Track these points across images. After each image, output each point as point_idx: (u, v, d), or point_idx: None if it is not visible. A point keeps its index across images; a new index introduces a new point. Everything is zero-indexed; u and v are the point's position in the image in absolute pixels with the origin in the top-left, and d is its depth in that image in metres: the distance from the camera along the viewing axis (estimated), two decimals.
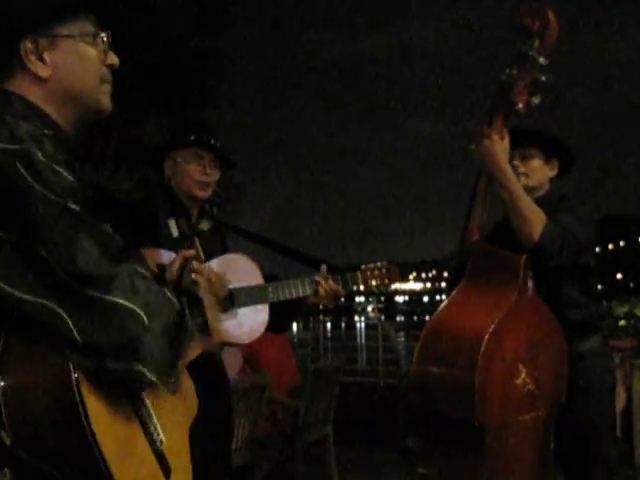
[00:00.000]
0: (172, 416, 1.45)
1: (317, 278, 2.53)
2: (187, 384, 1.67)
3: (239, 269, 2.55)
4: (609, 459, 2.54)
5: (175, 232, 2.47)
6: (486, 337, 2.13)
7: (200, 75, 11.79)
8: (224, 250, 2.65)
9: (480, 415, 2.11)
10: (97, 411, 1.17)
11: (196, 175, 2.50)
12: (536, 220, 2.24)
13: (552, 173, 2.61)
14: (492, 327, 2.15)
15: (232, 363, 4.03)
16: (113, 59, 1.42)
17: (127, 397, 1.28)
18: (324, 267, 2.55)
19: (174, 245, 2.28)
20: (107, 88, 1.41)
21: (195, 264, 1.99)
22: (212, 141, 2.54)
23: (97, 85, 1.38)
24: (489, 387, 2.14)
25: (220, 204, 2.82)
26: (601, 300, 2.73)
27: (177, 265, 1.88)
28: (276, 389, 4.39)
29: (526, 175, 2.53)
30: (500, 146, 2.28)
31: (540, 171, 2.54)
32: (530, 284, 2.29)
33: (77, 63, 1.35)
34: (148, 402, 1.35)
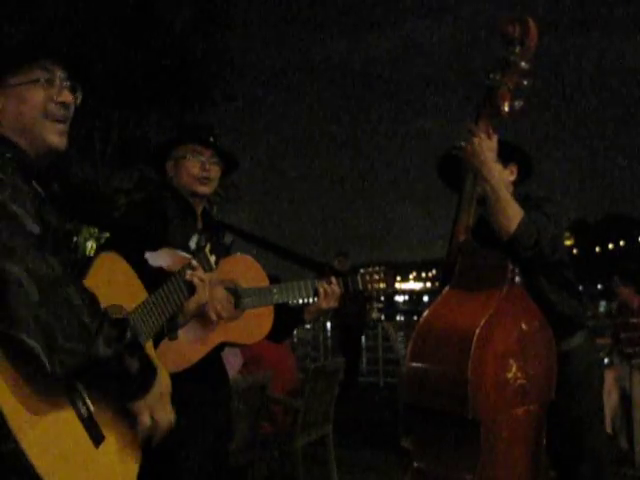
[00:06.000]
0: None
1: (320, 281, 2.60)
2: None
3: (244, 270, 2.56)
4: (600, 454, 2.58)
5: (193, 245, 2.48)
6: (477, 331, 2.18)
7: (200, 75, 11.79)
8: (227, 251, 2.66)
9: (474, 408, 2.15)
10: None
11: (195, 171, 2.51)
12: (514, 214, 2.34)
13: (512, 177, 2.70)
14: (483, 321, 2.20)
15: (232, 363, 4.03)
16: (66, 97, 1.67)
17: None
18: (328, 272, 2.67)
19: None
20: (57, 127, 1.66)
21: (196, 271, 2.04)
22: (210, 138, 2.55)
23: (40, 122, 1.63)
24: (482, 381, 2.18)
25: (220, 204, 2.85)
26: (581, 297, 2.77)
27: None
28: (276, 389, 4.39)
29: None
30: (488, 144, 2.36)
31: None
32: (518, 280, 2.36)
33: (24, 108, 1.63)
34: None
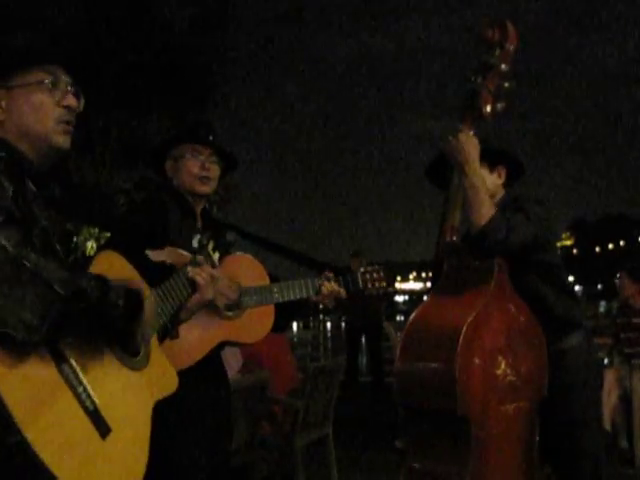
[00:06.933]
0: (125, 387, 1.69)
1: (321, 280, 2.61)
2: (160, 364, 1.89)
3: (245, 269, 2.56)
4: (597, 453, 2.59)
5: (195, 244, 2.49)
6: (464, 328, 2.20)
7: (200, 75, 11.79)
8: (229, 249, 2.66)
9: (462, 405, 2.17)
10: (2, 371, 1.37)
11: (195, 170, 2.49)
12: (485, 210, 2.37)
13: (500, 180, 2.72)
14: (470, 319, 2.22)
15: (232, 363, 4.03)
16: (70, 102, 1.70)
17: (54, 362, 1.47)
18: (328, 271, 2.66)
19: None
20: (63, 127, 1.69)
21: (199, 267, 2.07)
22: (209, 137, 2.54)
23: (51, 125, 1.66)
24: (470, 377, 2.20)
25: (220, 204, 2.85)
26: (577, 297, 2.79)
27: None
28: (276, 389, 4.39)
29: None
30: (473, 141, 2.39)
31: (487, 180, 2.59)
32: (506, 278, 2.39)
33: (28, 109, 1.65)
34: (78, 368, 1.53)
